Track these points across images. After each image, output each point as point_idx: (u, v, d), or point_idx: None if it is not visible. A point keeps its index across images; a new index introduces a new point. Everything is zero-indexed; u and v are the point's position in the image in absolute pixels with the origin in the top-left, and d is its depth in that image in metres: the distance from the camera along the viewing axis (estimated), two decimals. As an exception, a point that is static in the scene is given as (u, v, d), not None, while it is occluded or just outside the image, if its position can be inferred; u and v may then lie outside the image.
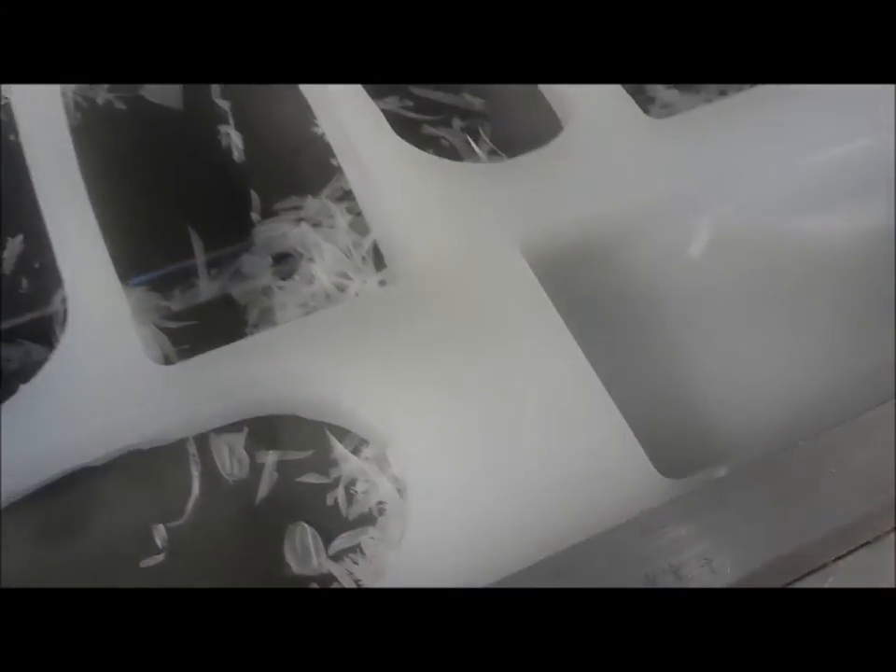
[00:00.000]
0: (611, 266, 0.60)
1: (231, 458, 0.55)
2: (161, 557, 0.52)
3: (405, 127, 0.64)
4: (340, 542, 0.52)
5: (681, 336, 0.59)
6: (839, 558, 0.45)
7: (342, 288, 0.60)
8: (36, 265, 0.62)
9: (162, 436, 0.54)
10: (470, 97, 0.70)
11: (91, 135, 0.65)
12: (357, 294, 0.59)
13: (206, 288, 0.61)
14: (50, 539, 0.53)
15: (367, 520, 0.53)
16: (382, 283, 0.59)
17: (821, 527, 0.46)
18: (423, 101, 0.70)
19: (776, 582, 0.45)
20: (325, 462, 0.55)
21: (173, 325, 0.59)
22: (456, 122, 0.69)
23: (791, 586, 0.45)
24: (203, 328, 0.59)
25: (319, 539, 0.53)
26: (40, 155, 0.60)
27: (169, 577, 0.52)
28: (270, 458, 0.55)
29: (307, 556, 0.52)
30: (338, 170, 0.65)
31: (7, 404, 0.52)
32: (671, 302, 0.60)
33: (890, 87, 0.63)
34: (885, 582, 0.44)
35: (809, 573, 0.45)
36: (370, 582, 0.51)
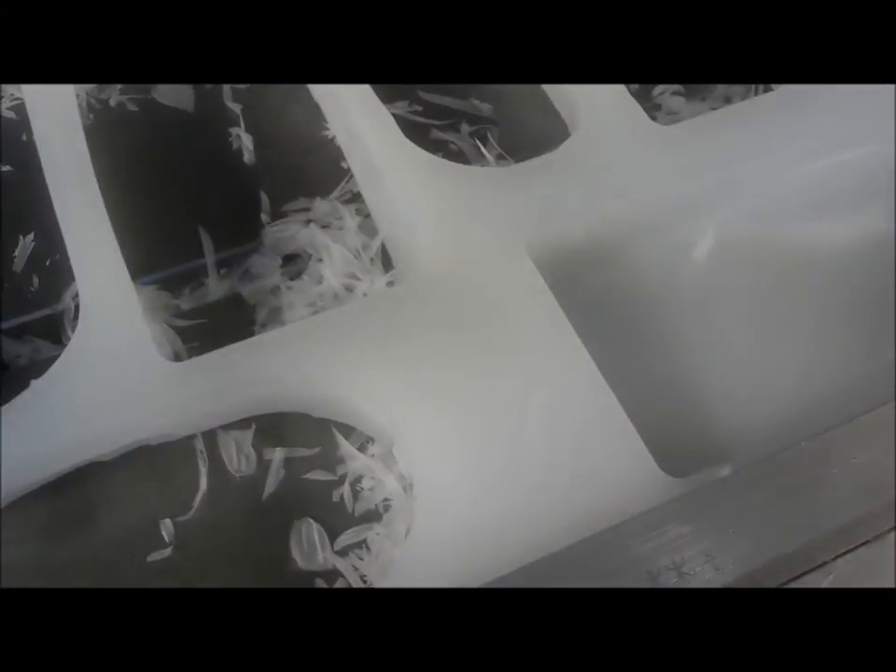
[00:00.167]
0: (617, 268, 0.61)
1: (238, 455, 0.55)
2: (168, 551, 0.53)
3: (414, 131, 0.65)
4: (345, 538, 0.53)
5: (685, 337, 0.60)
6: (839, 556, 0.46)
7: (350, 289, 0.61)
8: (47, 263, 0.63)
9: (171, 432, 0.54)
10: (479, 102, 0.71)
11: (104, 136, 0.66)
12: (365, 294, 0.60)
13: (216, 288, 0.62)
14: (59, 533, 0.53)
15: (372, 516, 0.54)
16: (390, 283, 0.60)
17: (822, 526, 0.46)
18: (432, 106, 0.70)
19: (777, 580, 0.45)
20: (331, 459, 0.55)
21: (182, 323, 0.60)
22: (465, 127, 0.69)
23: (792, 583, 0.45)
24: (212, 326, 0.60)
25: (325, 534, 0.53)
26: (54, 154, 0.61)
27: (176, 571, 0.52)
28: (277, 455, 0.55)
29: (313, 552, 0.53)
30: (347, 172, 0.65)
31: (18, 399, 0.53)
32: (675, 304, 0.61)
33: (891, 94, 0.64)
34: (885, 580, 0.45)
35: (810, 571, 0.45)
36: (375, 578, 0.51)
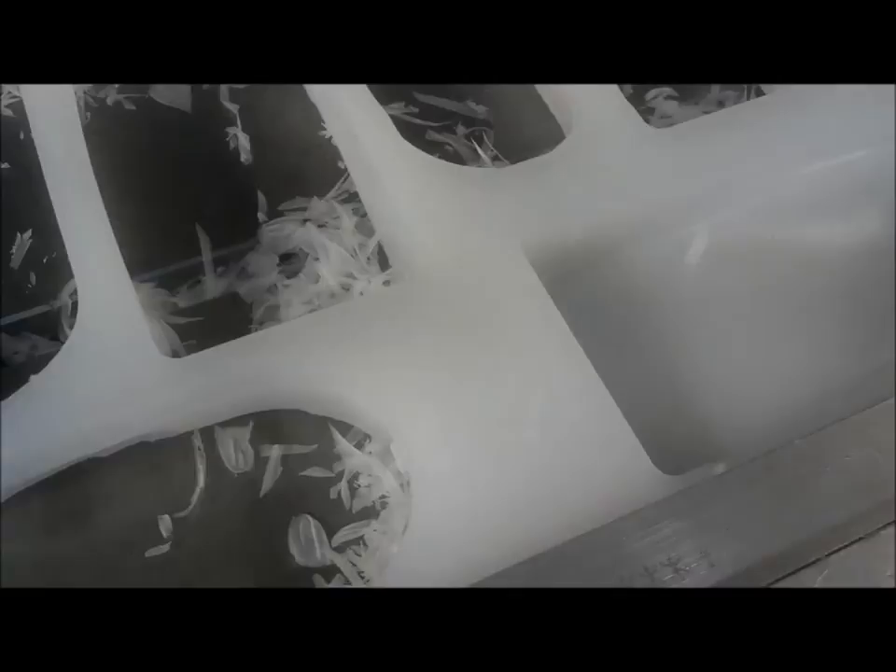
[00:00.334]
0: (613, 268, 0.61)
1: (236, 452, 0.55)
2: (166, 548, 0.53)
3: (410, 133, 0.65)
4: (343, 535, 0.53)
5: (681, 336, 0.60)
6: (833, 553, 0.46)
7: (347, 288, 0.61)
8: (44, 260, 0.63)
9: (169, 428, 0.55)
10: (474, 104, 0.71)
11: (101, 135, 0.66)
12: (361, 293, 0.60)
13: (213, 286, 0.62)
14: (58, 529, 0.53)
15: (370, 513, 0.54)
16: (386, 283, 0.61)
17: (816, 523, 0.47)
18: (427, 107, 0.71)
19: (772, 576, 0.46)
20: (329, 456, 0.56)
21: (180, 321, 0.60)
22: (460, 129, 0.70)
23: (786, 579, 0.46)
24: (209, 324, 0.60)
25: (323, 531, 0.53)
26: (53, 152, 0.61)
27: (174, 567, 0.52)
28: (274, 452, 0.56)
29: (311, 548, 0.53)
30: (344, 172, 0.66)
31: (16, 395, 0.53)
32: (671, 304, 0.61)
33: (890, 98, 0.65)
34: (879, 577, 0.45)
35: (804, 567, 0.46)
36: (373, 574, 0.52)
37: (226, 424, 0.56)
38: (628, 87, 0.70)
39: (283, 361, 0.55)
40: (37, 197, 0.61)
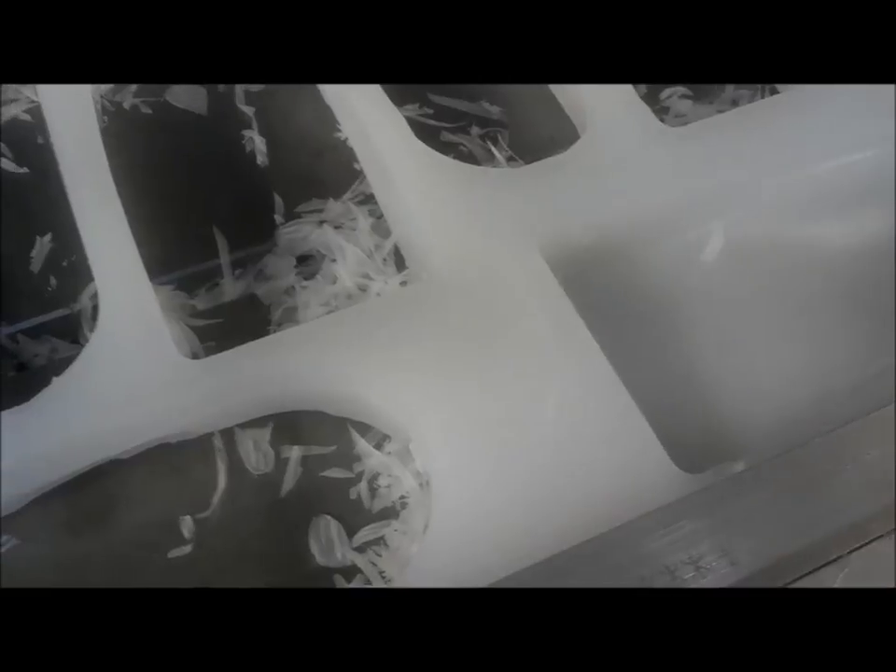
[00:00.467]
0: (628, 266, 0.61)
1: (256, 453, 0.56)
2: (188, 548, 0.53)
3: (425, 134, 0.66)
4: (363, 535, 0.53)
5: (697, 335, 0.60)
6: (853, 551, 0.46)
7: (363, 288, 0.62)
8: (64, 264, 0.63)
9: (189, 430, 0.55)
10: (489, 105, 0.71)
11: (118, 139, 0.66)
12: (378, 294, 0.61)
13: (231, 288, 0.63)
14: (80, 530, 0.54)
15: (390, 513, 0.54)
16: (403, 283, 0.61)
17: (837, 520, 0.47)
18: (442, 108, 0.71)
19: (792, 574, 0.46)
20: (348, 457, 0.56)
21: (199, 323, 0.61)
22: (475, 129, 0.70)
23: (806, 578, 0.46)
24: (227, 326, 0.60)
25: (343, 531, 0.54)
26: (72, 156, 0.62)
27: (196, 567, 0.53)
28: (294, 453, 0.56)
29: (331, 548, 0.53)
30: (360, 174, 0.66)
31: (38, 397, 0.53)
32: (687, 302, 0.61)
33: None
34: (899, 574, 0.46)
35: (824, 565, 0.46)
36: (394, 574, 0.52)
37: (246, 425, 0.56)
38: (642, 86, 0.70)
39: (302, 362, 0.56)
40: (56, 201, 0.62)
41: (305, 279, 0.63)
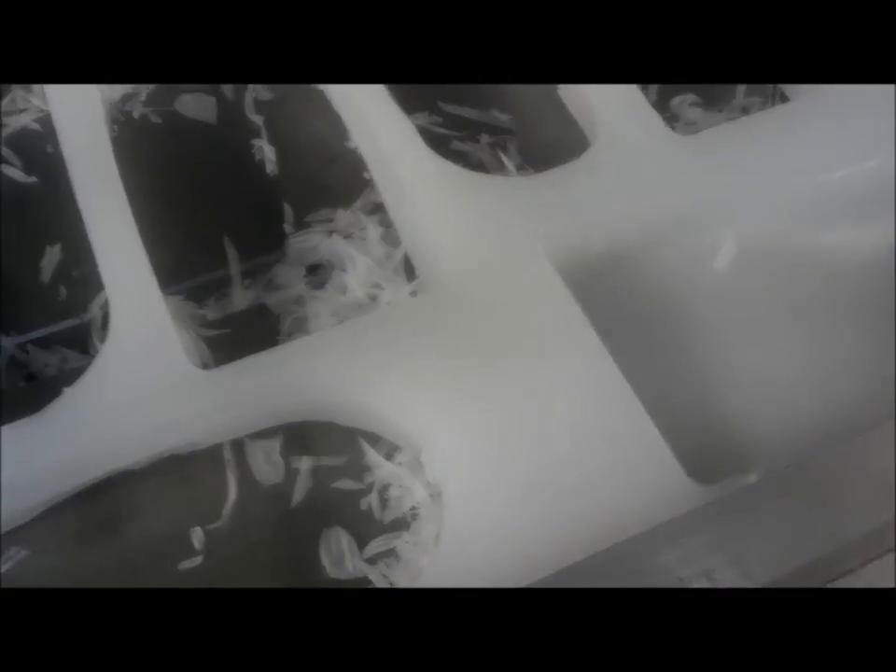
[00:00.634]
0: (639, 275, 0.61)
1: (266, 464, 0.56)
2: (199, 560, 0.53)
3: (434, 142, 0.66)
4: (374, 546, 0.53)
5: (709, 343, 0.60)
6: (868, 562, 0.46)
7: (373, 298, 0.61)
8: (74, 274, 0.63)
9: (199, 441, 0.55)
10: (498, 113, 0.71)
11: (128, 148, 0.66)
12: (388, 303, 0.61)
13: (241, 298, 0.63)
14: (91, 541, 0.54)
15: (401, 524, 0.54)
16: (413, 293, 0.61)
17: (850, 532, 0.47)
18: (451, 117, 0.71)
19: (805, 585, 0.46)
20: (358, 468, 0.56)
21: (209, 333, 0.61)
22: (484, 138, 0.70)
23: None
24: (238, 336, 0.61)
25: (354, 543, 0.54)
26: (82, 165, 0.62)
27: (207, 579, 0.53)
28: (304, 464, 0.56)
29: (342, 560, 0.53)
30: (369, 183, 0.66)
31: (49, 407, 0.53)
32: (697, 311, 0.61)
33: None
34: (914, 586, 0.45)
35: (839, 577, 0.46)
36: (405, 586, 0.52)
37: (256, 436, 0.56)
38: (653, 94, 0.70)
39: (311, 372, 0.56)
40: (65, 211, 0.62)
41: (315, 289, 0.63)
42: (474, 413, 0.54)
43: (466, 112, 0.71)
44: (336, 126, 0.69)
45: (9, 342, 0.62)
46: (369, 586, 0.52)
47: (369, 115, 0.66)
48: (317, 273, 0.64)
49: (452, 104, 0.71)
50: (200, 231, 0.66)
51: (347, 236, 0.64)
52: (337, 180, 0.67)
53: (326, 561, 0.53)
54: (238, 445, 0.56)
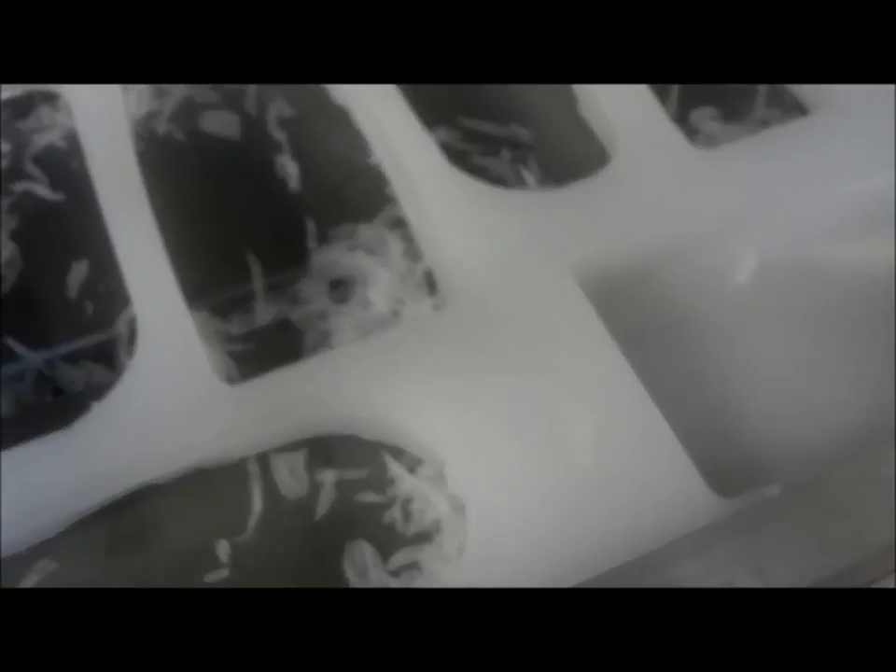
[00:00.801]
0: (662, 288, 0.62)
1: (291, 477, 0.56)
2: (225, 572, 0.54)
3: (454, 157, 0.66)
4: (398, 559, 0.54)
5: (730, 358, 0.60)
6: (889, 573, 0.46)
7: (396, 313, 0.62)
8: (100, 289, 0.64)
9: (225, 455, 0.56)
10: (518, 128, 0.72)
11: (152, 165, 0.67)
12: (411, 318, 0.61)
13: (264, 313, 0.63)
14: (118, 554, 0.54)
15: (424, 537, 0.55)
16: (436, 307, 0.61)
17: (873, 543, 0.47)
18: (471, 132, 0.71)
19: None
20: (382, 481, 0.56)
21: (233, 347, 0.61)
22: (505, 153, 0.71)
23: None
24: (262, 350, 0.61)
25: (377, 555, 0.54)
26: (108, 182, 0.62)
27: (232, 591, 0.53)
28: (328, 477, 0.56)
29: (365, 572, 0.54)
30: (391, 199, 0.67)
31: (78, 422, 0.54)
32: (719, 325, 0.61)
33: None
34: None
35: (860, 588, 0.46)
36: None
37: (280, 449, 0.57)
38: (672, 107, 0.70)
39: (335, 387, 0.56)
40: (92, 227, 0.62)
41: (338, 303, 0.63)
42: (496, 426, 0.54)
43: (486, 127, 0.72)
44: (358, 142, 0.69)
45: (36, 357, 0.62)
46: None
47: (390, 131, 0.66)
48: (340, 287, 0.64)
49: (472, 118, 0.72)
50: (224, 246, 0.66)
51: (369, 251, 0.65)
52: (359, 196, 0.68)
53: (350, 573, 0.54)
54: (263, 459, 0.56)
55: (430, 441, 0.55)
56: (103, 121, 0.66)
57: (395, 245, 0.65)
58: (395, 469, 0.56)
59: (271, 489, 0.56)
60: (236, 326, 0.63)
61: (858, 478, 0.50)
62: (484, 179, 0.66)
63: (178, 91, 0.72)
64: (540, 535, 0.51)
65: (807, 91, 0.70)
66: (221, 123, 0.72)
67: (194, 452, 0.55)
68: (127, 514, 0.54)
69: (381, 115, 0.67)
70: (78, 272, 0.65)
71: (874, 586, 0.47)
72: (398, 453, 0.57)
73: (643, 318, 0.61)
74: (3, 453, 0.53)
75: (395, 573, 0.53)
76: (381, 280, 0.63)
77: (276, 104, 0.72)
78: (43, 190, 0.69)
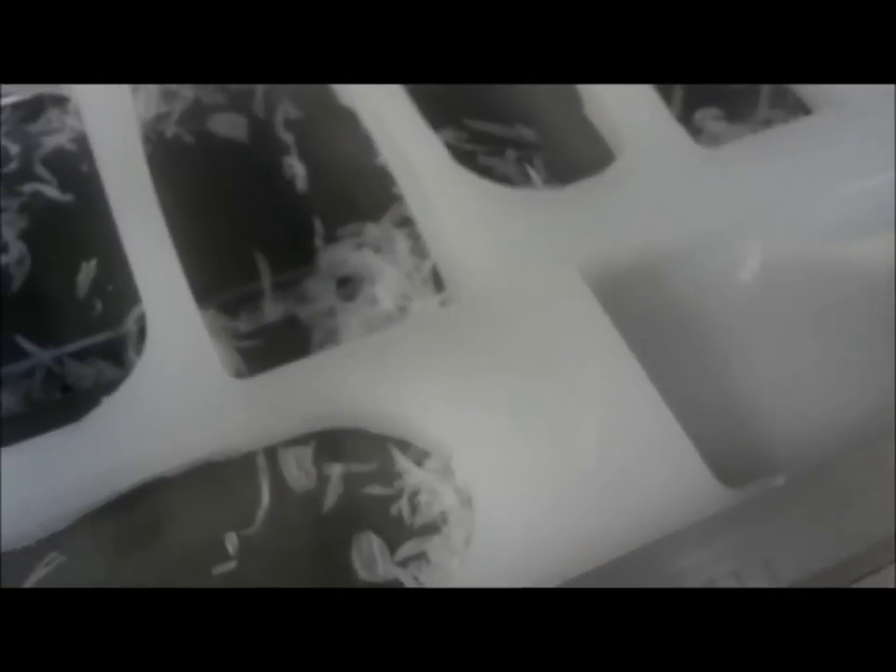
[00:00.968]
0: (668, 285, 0.62)
1: (298, 471, 0.57)
2: (233, 564, 0.54)
3: (461, 158, 0.67)
4: (405, 550, 0.54)
5: (735, 353, 0.61)
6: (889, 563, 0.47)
7: (403, 309, 0.62)
8: (110, 288, 0.65)
9: (234, 449, 0.56)
10: (523, 128, 0.72)
11: (161, 167, 0.68)
12: (418, 314, 0.61)
13: (272, 310, 0.64)
14: (127, 547, 0.55)
15: (431, 529, 0.55)
16: (442, 304, 0.61)
17: (877, 532, 0.47)
18: (477, 133, 0.72)
19: (835, 584, 0.46)
20: (389, 474, 0.57)
21: (241, 344, 0.62)
22: (510, 153, 0.71)
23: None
24: (270, 347, 0.61)
25: (385, 546, 0.54)
26: (118, 183, 0.63)
27: (240, 583, 0.53)
28: (336, 471, 0.57)
29: (373, 563, 0.54)
30: (398, 198, 0.67)
31: (88, 417, 0.55)
32: (724, 321, 0.62)
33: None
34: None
35: (866, 575, 0.46)
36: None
37: (288, 443, 0.57)
38: (676, 108, 0.70)
39: (343, 381, 0.56)
40: (101, 227, 0.63)
41: (345, 301, 0.64)
42: (503, 419, 0.54)
43: (491, 128, 0.72)
44: (365, 143, 0.70)
45: (45, 354, 0.63)
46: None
47: (397, 131, 0.67)
48: (347, 285, 0.65)
49: (477, 119, 0.72)
50: (232, 245, 0.67)
51: (377, 249, 0.65)
52: (366, 195, 0.69)
53: (357, 564, 0.54)
54: (271, 453, 0.57)
55: (437, 434, 0.55)
56: (112, 124, 0.67)
57: (402, 243, 0.65)
58: (402, 462, 0.56)
59: (279, 482, 0.56)
60: (244, 323, 0.63)
61: (861, 469, 0.50)
62: (490, 179, 0.66)
63: (186, 94, 0.73)
64: (548, 525, 0.51)
65: (810, 91, 0.71)
66: (229, 125, 0.73)
67: (203, 446, 0.55)
68: (136, 508, 0.55)
69: (387, 115, 0.68)
70: (88, 271, 0.65)
71: (876, 575, 0.47)
72: (404, 446, 0.57)
73: (649, 314, 0.61)
74: (12, 447, 0.54)
75: (402, 564, 0.54)
76: (388, 277, 0.63)
77: (283, 105, 0.73)
78: (52, 191, 0.70)
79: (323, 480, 0.56)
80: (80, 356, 0.63)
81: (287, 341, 0.62)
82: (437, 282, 0.63)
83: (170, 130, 0.72)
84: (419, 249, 0.65)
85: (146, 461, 0.54)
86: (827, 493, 0.49)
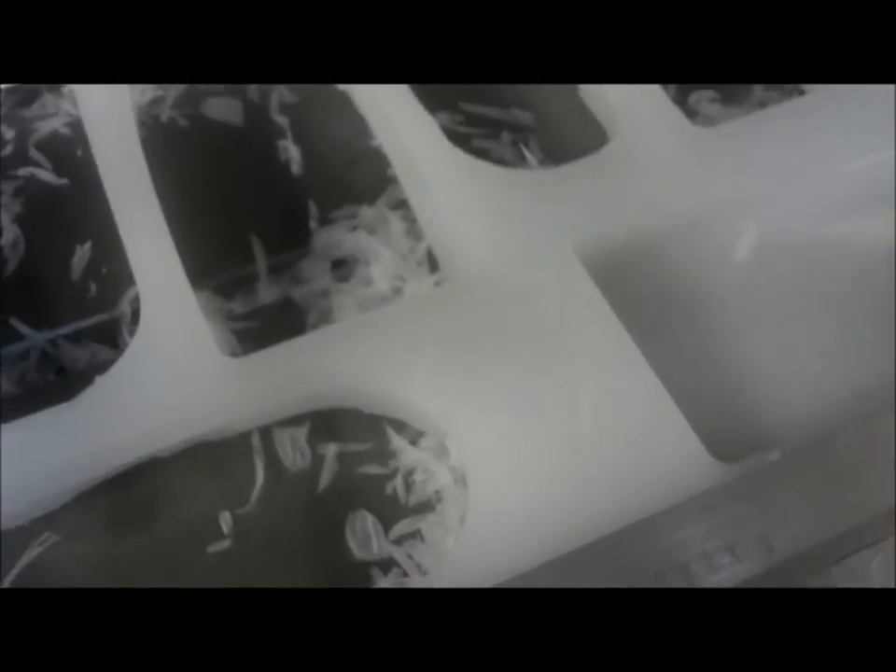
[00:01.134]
0: (662, 264, 0.62)
1: (293, 450, 0.57)
2: (227, 543, 0.54)
3: (456, 141, 0.66)
4: (400, 528, 0.54)
5: (731, 330, 0.61)
6: (888, 536, 0.46)
7: (397, 290, 0.62)
8: (104, 271, 0.65)
9: (228, 428, 0.56)
10: (519, 111, 0.72)
11: (156, 150, 0.68)
12: (412, 295, 0.61)
13: (267, 292, 0.64)
14: (122, 527, 0.55)
15: (426, 507, 0.55)
16: (437, 284, 0.61)
17: (871, 506, 0.47)
18: (473, 116, 0.72)
19: (830, 558, 0.46)
20: (384, 453, 0.57)
21: (236, 326, 0.62)
22: (505, 136, 0.71)
23: (842, 562, 0.46)
24: (265, 328, 0.61)
25: (379, 525, 0.54)
26: (113, 167, 0.63)
27: (235, 561, 0.53)
28: (331, 450, 0.57)
29: (368, 541, 0.54)
30: (393, 180, 0.67)
31: (81, 396, 0.54)
32: (720, 299, 0.62)
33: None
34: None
35: (860, 549, 0.46)
36: (430, 566, 0.52)
37: (283, 423, 0.57)
38: (671, 90, 0.70)
39: (337, 361, 0.56)
40: (95, 211, 0.63)
41: (340, 282, 0.64)
42: (498, 398, 0.54)
43: (487, 111, 0.72)
44: (360, 126, 0.70)
45: (40, 336, 0.63)
46: (394, 568, 0.53)
47: (392, 114, 0.67)
48: (342, 267, 0.65)
49: (473, 103, 0.72)
50: (227, 228, 0.67)
51: (371, 231, 0.65)
52: (361, 178, 0.68)
53: (352, 543, 0.54)
54: (266, 432, 0.57)
55: (431, 413, 0.55)
56: (107, 109, 0.67)
57: (397, 224, 0.65)
58: (396, 441, 0.56)
59: (273, 462, 0.56)
60: (239, 305, 0.63)
61: (858, 443, 0.50)
62: (486, 161, 0.66)
63: (181, 78, 0.73)
64: (542, 503, 0.51)
65: (806, 73, 0.71)
66: (224, 109, 0.72)
67: (197, 425, 0.55)
68: (130, 487, 0.55)
69: (384, 100, 0.68)
70: (82, 254, 0.65)
71: (872, 548, 0.47)
72: (399, 425, 0.57)
73: (644, 292, 0.61)
74: (5, 425, 0.54)
75: (397, 542, 0.54)
76: (383, 259, 0.63)
77: (278, 90, 0.73)
78: (47, 175, 0.69)
79: (318, 459, 0.56)
80: (75, 338, 0.63)
81: (282, 322, 0.62)
82: (432, 263, 0.63)
83: (165, 114, 0.72)
84: (414, 231, 0.65)
85: (140, 440, 0.54)
86: (823, 468, 0.49)
